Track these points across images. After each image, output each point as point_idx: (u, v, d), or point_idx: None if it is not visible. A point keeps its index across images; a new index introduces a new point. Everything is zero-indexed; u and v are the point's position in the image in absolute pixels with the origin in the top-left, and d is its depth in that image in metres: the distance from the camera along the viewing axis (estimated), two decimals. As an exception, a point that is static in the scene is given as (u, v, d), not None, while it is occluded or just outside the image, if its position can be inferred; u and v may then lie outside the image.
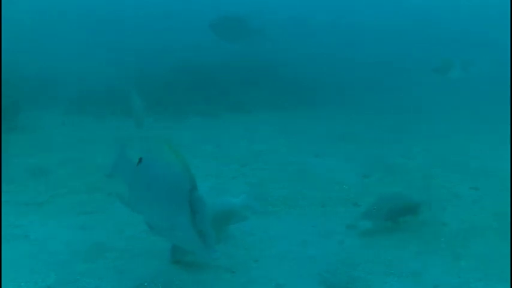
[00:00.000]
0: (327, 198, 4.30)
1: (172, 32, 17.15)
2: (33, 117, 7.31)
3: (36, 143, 6.09)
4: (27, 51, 11.18)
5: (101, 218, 3.78)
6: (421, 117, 8.60)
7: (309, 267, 3.03)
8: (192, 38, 16.08)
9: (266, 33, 8.63)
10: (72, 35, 14.17)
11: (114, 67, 10.92)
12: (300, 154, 5.83)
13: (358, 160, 5.56)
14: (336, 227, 3.69)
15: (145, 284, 2.79)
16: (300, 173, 5.03)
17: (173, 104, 8.73)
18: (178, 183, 2.20)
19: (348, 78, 11.89)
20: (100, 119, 7.87)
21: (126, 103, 8.10)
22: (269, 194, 4.36)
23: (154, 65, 11.56)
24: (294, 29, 18.49)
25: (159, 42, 15.02)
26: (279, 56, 13.31)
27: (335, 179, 4.85)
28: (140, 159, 2.46)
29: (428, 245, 3.37)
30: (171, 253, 3.12)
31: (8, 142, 5.90)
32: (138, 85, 9.72)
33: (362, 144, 6.41)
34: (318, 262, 3.10)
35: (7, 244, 3.27)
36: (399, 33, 17.67)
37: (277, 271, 2.98)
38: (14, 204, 4.02)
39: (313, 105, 9.68)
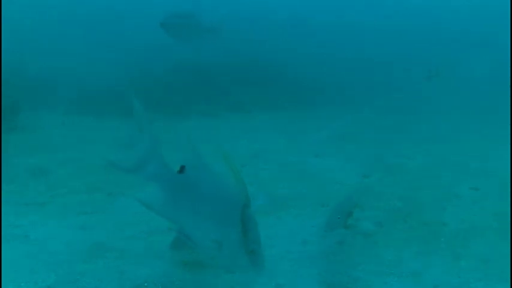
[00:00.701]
0: (327, 198, 4.30)
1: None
2: (33, 117, 7.31)
3: (36, 143, 6.09)
4: (27, 51, 11.17)
5: (101, 218, 3.77)
6: (421, 117, 8.61)
7: (309, 267, 3.03)
8: (191, 38, 16.07)
9: (221, 32, 8.21)
10: (72, 35, 14.17)
11: (114, 67, 10.91)
12: (300, 154, 5.83)
13: (358, 160, 5.56)
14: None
15: (145, 284, 2.79)
16: (299, 173, 5.03)
17: (173, 104, 8.73)
18: (231, 197, 2.03)
19: (348, 78, 11.89)
20: (100, 119, 7.87)
21: (126, 103, 8.11)
22: (269, 194, 4.36)
23: (155, 65, 11.55)
24: (294, 29, 18.48)
25: (159, 42, 15.01)
26: (279, 56, 13.31)
27: (335, 179, 4.85)
28: (182, 167, 2.31)
29: (428, 245, 3.37)
30: (172, 250, 3.11)
31: (8, 142, 5.90)
32: (138, 85, 9.75)
33: (362, 144, 6.41)
34: (318, 262, 3.10)
35: (7, 244, 3.27)
36: (399, 33, 17.66)
37: (277, 271, 2.98)
38: (14, 204, 4.01)
39: (313, 105, 9.68)
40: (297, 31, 17.98)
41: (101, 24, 16.56)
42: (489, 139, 6.75)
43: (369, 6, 22.33)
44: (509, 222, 3.69)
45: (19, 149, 5.77)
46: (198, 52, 10.58)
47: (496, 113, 8.68)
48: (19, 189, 4.38)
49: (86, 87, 9.22)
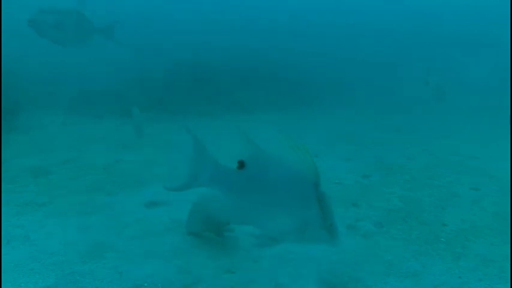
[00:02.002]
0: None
1: (172, 32, 17.14)
2: (33, 117, 7.32)
3: (36, 143, 6.10)
4: (28, 51, 11.17)
5: (101, 218, 3.78)
6: (421, 117, 8.61)
7: (309, 267, 3.03)
8: (192, 38, 16.09)
9: (113, 34, 6.69)
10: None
11: (113, 67, 10.92)
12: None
13: (358, 160, 5.56)
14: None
15: (145, 285, 2.79)
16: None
17: (173, 104, 8.74)
18: (300, 179, 1.94)
19: (348, 79, 11.90)
20: (100, 119, 7.88)
21: (126, 103, 8.12)
22: None
23: (154, 65, 11.56)
24: (294, 29, 18.47)
25: (159, 42, 15.03)
26: (279, 56, 13.31)
27: (335, 179, 4.85)
28: (241, 163, 2.12)
29: (428, 245, 3.37)
30: (187, 225, 3.25)
31: (8, 142, 5.91)
32: (138, 85, 9.75)
33: (362, 144, 6.42)
34: (318, 262, 3.10)
35: (7, 244, 3.27)
36: (399, 33, 17.66)
37: (277, 271, 2.98)
38: (14, 204, 4.02)
39: (313, 105, 9.69)
40: (297, 31, 17.97)
41: (100, 24, 16.55)
42: (489, 139, 6.76)
43: (369, 6, 22.31)
44: (509, 222, 3.69)
45: (19, 149, 5.78)
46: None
47: (496, 113, 8.68)
48: (19, 189, 4.39)
49: (86, 87, 9.24)
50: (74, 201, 4.11)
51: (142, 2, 21.74)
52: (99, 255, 3.14)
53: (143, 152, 5.79)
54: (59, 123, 7.46)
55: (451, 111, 8.79)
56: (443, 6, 21.34)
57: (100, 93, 9.04)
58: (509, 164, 5.13)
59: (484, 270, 3.02)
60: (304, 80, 11.20)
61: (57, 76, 9.98)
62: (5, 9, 12.01)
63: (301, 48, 15.04)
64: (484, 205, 4.14)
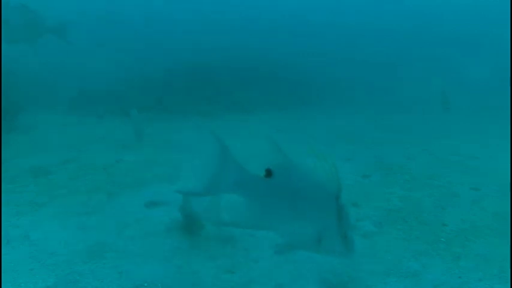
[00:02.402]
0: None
1: (172, 32, 17.14)
2: (33, 117, 7.32)
3: (36, 143, 6.10)
4: (28, 51, 11.16)
5: (101, 218, 3.78)
6: (421, 117, 8.61)
7: (309, 267, 3.03)
8: (192, 38, 16.09)
9: (66, 33, 6.35)
10: (72, 35, 14.15)
11: (114, 67, 10.92)
12: (299, 154, 5.83)
13: (358, 160, 5.56)
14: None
15: (145, 285, 2.79)
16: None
17: (173, 104, 8.74)
18: (323, 190, 1.99)
19: (348, 78, 11.90)
20: (100, 119, 7.88)
21: (126, 103, 8.12)
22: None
23: (154, 65, 11.56)
24: (294, 29, 18.46)
25: (159, 42, 15.03)
26: (279, 56, 13.31)
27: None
28: (269, 171, 2.12)
29: (428, 245, 3.37)
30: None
31: (8, 142, 5.91)
32: (138, 85, 9.76)
33: (362, 144, 6.42)
34: (318, 262, 3.10)
35: (7, 244, 3.27)
36: (399, 33, 17.66)
37: (277, 271, 2.98)
38: (14, 204, 4.02)
39: (313, 105, 9.68)
40: (297, 31, 17.97)
41: (100, 25, 16.56)
42: (489, 139, 6.76)
43: (369, 6, 22.31)
44: (509, 222, 3.69)
45: (19, 149, 5.78)
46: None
47: (496, 113, 8.69)
48: (19, 189, 4.39)
49: (86, 87, 9.24)
50: (74, 201, 4.11)
51: (142, 2, 21.73)
52: (99, 255, 3.14)
53: (143, 152, 5.79)
54: (59, 123, 7.46)
55: (451, 111, 8.78)
56: (443, 6, 21.34)
57: (100, 93, 9.04)
58: (509, 164, 5.13)
59: (484, 270, 3.02)
60: (304, 80, 11.20)
61: (57, 76, 9.98)
62: (5, 9, 11.98)
63: (301, 48, 15.04)
64: (484, 205, 4.14)
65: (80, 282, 2.81)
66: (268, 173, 2.10)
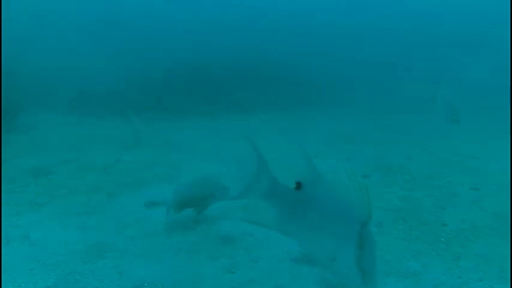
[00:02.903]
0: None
1: (172, 32, 17.13)
2: (33, 117, 7.33)
3: (36, 143, 6.10)
4: (28, 51, 11.17)
5: (101, 218, 3.78)
6: (421, 117, 8.61)
7: (309, 268, 3.03)
8: (192, 38, 16.08)
9: None
10: (72, 36, 14.17)
11: (114, 67, 10.92)
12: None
13: (358, 160, 5.56)
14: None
15: (145, 285, 2.79)
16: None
17: (173, 104, 8.74)
18: (350, 213, 1.97)
19: (348, 78, 11.89)
20: (100, 119, 7.88)
21: (126, 103, 8.12)
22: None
23: (154, 65, 11.56)
24: (294, 29, 18.45)
25: (159, 42, 15.02)
26: (279, 56, 13.31)
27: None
28: (299, 184, 2.17)
29: (428, 245, 3.37)
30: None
31: (8, 142, 5.91)
32: (138, 85, 9.76)
33: (362, 144, 6.42)
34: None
35: (7, 244, 3.27)
36: (399, 33, 17.64)
37: (277, 271, 2.98)
38: (14, 204, 4.02)
39: (313, 105, 9.68)
40: (297, 31, 17.96)
41: (101, 25, 16.56)
42: (489, 139, 6.76)
43: (369, 6, 22.30)
44: (509, 222, 3.69)
45: (19, 149, 5.78)
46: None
47: (496, 113, 8.68)
48: (19, 189, 4.39)
49: (86, 87, 9.24)
50: (74, 201, 4.12)
51: (142, 2, 21.72)
52: (99, 255, 3.14)
53: (143, 152, 5.80)
54: (59, 123, 7.47)
55: (451, 111, 8.77)
56: (443, 6, 21.33)
57: (100, 93, 9.04)
58: (509, 164, 5.13)
59: (484, 270, 3.02)
60: (304, 80, 11.20)
61: (57, 76, 9.97)
62: (5, 9, 12.03)
63: (301, 48, 15.04)
64: (484, 205, 4.14)
65: (80, 282, 2.81)
66: (298, 186, 2.16)
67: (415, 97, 10.14)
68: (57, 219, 3.73)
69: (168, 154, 5.75)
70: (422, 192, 4.44)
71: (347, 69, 12.72)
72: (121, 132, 6.74)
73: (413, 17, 20.44)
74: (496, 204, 4.15)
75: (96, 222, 3.68)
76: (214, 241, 3.37)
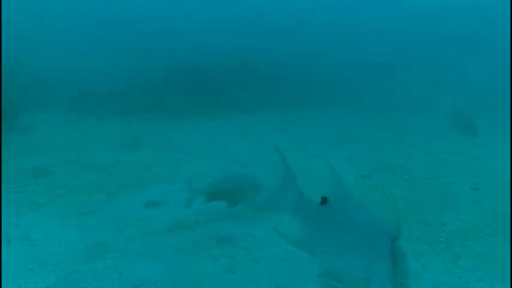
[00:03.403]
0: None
1: (172, 32, 17.13)
2: (33, 117, 7.33)
3: (36, 143, 6.10)
4: (28, 51, 11.17)
5: (101, 218, 3.78)
6: (421, 117, 8.61)
7: (309, 268, 3.03)
8: (192, 38, 16.08)
9: None
10: (72, 36, 14.17)
11: (114, 67, 10.92)
12: (300, 154, 5.84)
13: (358, 160, 5.56)
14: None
15: (145, 285, 2.79)
16: (299, 173, 5.02)
17: (173, 104, 8.74)
18: (379, 229, 1.87)
19: (348, 78, 11.89)
20: (100, 119, 7.88)
21: (126, 103, 8.12)
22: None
23: (154, 65, 11.56)
24: (294, 29, 18.45)
25: (159, 42, 15.02)
26: (279, 56, 13.31)
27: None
28: (324, 199, 2.09)
29: (428, 245, 3.37)
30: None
31: (8, 142, 5.91)
32: (138, 85, 9.75)
33: (362, 144, 6.42)
34: (318, 262, 3.09)
35: (7, 244, 3.27)
36: (399, 33, 17.64)
37: (277, 271, 2.98)
38: (14, 204, 4.02)
39: (313, 105, 9.68)
40: (297, 31, 17.96)
41: (101, 25, 16.55)
42: (489, 139, 6.76)
43: (369, 6, 22.30)
44: (509, 222, 3.69)
45: (19, 149, 5.78)
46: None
47: (496, 113, 8.68)
48: (19, 189, 4.39)
49: (86, 87, 9.24)
50: (74, 201, 4.12)
51: (142, 2, 21.72)
52: (99, 255, 3.14)
53: (143, 152, 5.80)
54: (59, 123, 7.47)
55: (451, 111, 8.77)
56: (443, 6, 21.33)
57: (100, 93, 9.04)
58: (509, 164, 5.13)
59: (484, 270, 3.02)
60: (304, 80, 11.20)
61: (57, 76, 9.97)
62: (5, 9, 12.03)
63: (301, 48, 15.04)
64: (484, 205, 4.14)
65: (80, 282, 2.81)
66: (324, 201, 2.07)
67: (415, 97, 10.14)
68: (57, 219, 3.73)
69: (168, 154, 5.75)
70: (422, 192, 4.44)
71: (347, 69, 12.72)
72: (121, 132, 6.74)
73: (413, 17, 20.44)
74: (496, 204, 4.14)
75: (96, 222, 3.68)
76: (214, 241, 3.37)
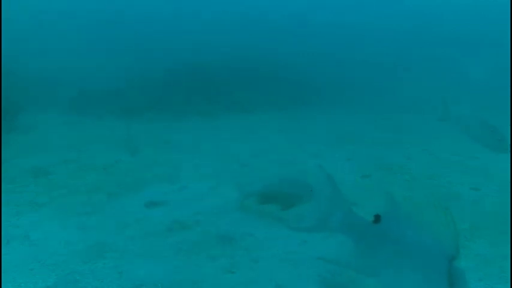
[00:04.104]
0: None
1: (172, 32, 17.13)
2: (33, 117, 7.32)
3: (36, 143, 6.10)
4: (28, 51, 11.17)
5: (101, 218, 3.78)
6: (421, 117, 8.60)
7: (309, 268, 3.03)
8: (192, 38, 16.07)
9: None
10: (72, 36, 14.17)
11: (114, 67, 10.92)
12: (300, 154, 5.84)
13: (358, 160, 5.56)
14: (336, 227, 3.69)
15: (145, 285, 2.79)
16: (299, 173, 5.03)
17: (173, 104, 8.74)
18: (438, 250, 1.76)
19: (347, 78, 11.89)
20: (100, 119, 7.87)
21: (126, 103, 8.11)
22: (269, 195, 4.36)
23: (154, 65, 11.56)
24: (294, 29, 18.44)
25: (159, 42, 15.02)
26: (279, 56, 13.30)
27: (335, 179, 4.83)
28: (378, 217, 2.01)
29: (428, 245, 3.36)
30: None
31: (8, 142, 5.91)
32: (138, 85, 9.75)
33: (362, 144, 6.41)
34: (318, 262, 3.10)
35: (7, 244, 3.27)
36: (399, 33, 17.63)
37: (277, 271, 2.98)
38: (14, 204, 4.02)
39: (313, 105, 9.68)
40: (297, 31, 17.96)
41: (101, 25, 16.55)
42: (489, 139, 6.74)
43: (369, 6, 22.30)
44: (509, 222, 3.69)
45: (19, 149, 5.78)
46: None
47: (496, 113, 8.67)
48: (19, 189, 4.39)
49: (86, 87, 9.24)
50: (74, 201, 4.12)
51: (142, 2, 21.72)
52: (99, 255, 3.14)
53: (143, 152, 5.79)
54: (59, 123, 7.47)
55: (451, 111, 8.78)
56: (443, 6, 21.33)
57: (100, 93, 9.04)
58: (509, 164, 5.13)
59: (484, 270, 3.02)
60: (304, 80, 11.19)
61: (57, 76, 9.97)
62: (5, 9, 12.03)
63: (301, 48, 15.04)
64: (484, 205, 4.14)
65: (80, 282, 2.81)
66: (377, 219, 1.98)
67: (415, 97, 10.13)
68: (57, 219, 3.73)
69: (168, 154, 5.75)
70: (422, 192, 4.44)
71: (347, 69, 12.71)
72: (121, 132, 6.73)
73: (413, 17, 20.43)
74: (496, 204, 4.14)
75: (96, 222, 3.68)
76: (214, 241, 3.37)
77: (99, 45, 13.48)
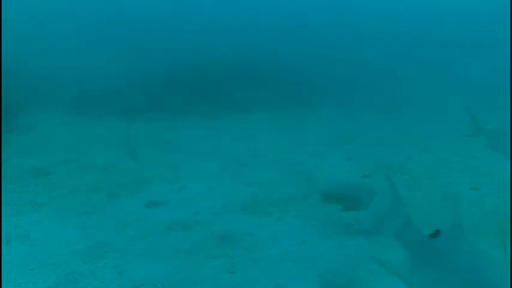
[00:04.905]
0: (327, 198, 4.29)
1: (172, 32, 17.13)
2: (33, 117, 7.32)
3: (36, 143, 6.09)
4: (28, 51, 11.17)
5: (101, 218, 3.78)
6: (421, 117, 8.60)
7: (309, 268, 3.03)
8: (192, 38, 16.08)
9: None
10: (72, 36, 14.17)
11: (114, 67, 10.92)
12: (300, 154, 5.84)
13: (358, 160, 5.56)
14: (336, 227, 3.69)
15: (145, 285, 2.79)
16: (299, 173, 5.03)
17: (172, 104, 8.74)
18: (487, 278, 1.69)
19: (347, 78, 11.88)
20: (100, 119, 7.87)
21: (126, 103, 8.11)
22: (269, 195, 4.36)
23: (154, 65, 11.55)
24: (294, 29, 18.44)
25: (159, 42, 15.02)
26: (279, 56, 13.30)
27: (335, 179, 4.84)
28: (437, 232, 1.93)
29: (428, 245, 3.36)
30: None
31: (8, 142, 5.90)
32: (138, 85, 9.75)
33: (362, 144, 6.41)
34: (318, 262, 3.10)
35: (7, 244, 3.27)
36: (399, 33, 17.63)
37: (277, 271, 2.98)
38: (14, 204, 4.02)
39: (313, 105, 9.67)
40: (297, 31, 17.96)
41: (101, 25, 16.55)
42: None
43: (369, 7, 22.30)
44: (509, 222, 3.69)
45: (19, 149, 5.78)
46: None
47: (496, 113, 8.67)
48: (19, 189, 4.39)
49: (86, 87, 9.24)
50: (74, 201, 4.11)
51: (142, 2, 21.73)
52: (99, 255, 3.14)
53: (143, 152, 5.79)
54: (59, 123, 7.46)
55: (451, 111, 8.78)
56: (443, 7, 21.33)
57: (100, 93, 9.04)
58: (509, 164, 5.12)
59: (484, 270, 3.01)
60: (304, 80, 11.19)
61: (57, 76, 9.97)
62: (5, 9, 12.02)
63: (301, 48, 15.03)
64: (484, 205, 4.13)
65: (80, 282, 2.81)
66: (435, 234, 1.92)
67: (415, 97, 10.13)
68: (57, 219, 3.73)
69: (168, 154, 5.75)
70: (422, 192, 4.44)
71: (347, 69, 12.71)
72: (121, 132, 6.73)
73: (413, 17, 20.43)
74: (496, 204, 4.14)
75: (96, 222, 3.68)
76: (214, 241, 3.37)
77: (99, 45, 13.48)
